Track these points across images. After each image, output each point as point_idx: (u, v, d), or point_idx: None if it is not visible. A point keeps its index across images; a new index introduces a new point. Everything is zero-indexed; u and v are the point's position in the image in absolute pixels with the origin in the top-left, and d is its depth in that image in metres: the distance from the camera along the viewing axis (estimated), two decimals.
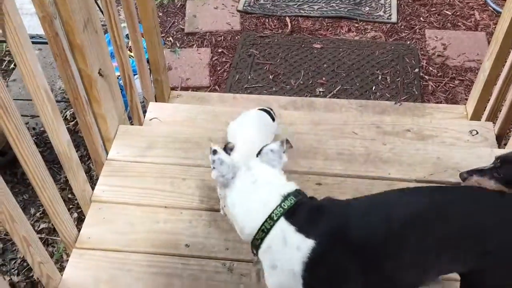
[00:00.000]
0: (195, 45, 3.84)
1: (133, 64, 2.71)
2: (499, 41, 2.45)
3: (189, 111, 2.61)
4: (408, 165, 2.14)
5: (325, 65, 3.64)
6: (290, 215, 1.31)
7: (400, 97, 3.34)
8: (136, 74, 2.73)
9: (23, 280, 2.63)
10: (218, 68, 3.67)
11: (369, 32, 3.90)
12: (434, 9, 4.03)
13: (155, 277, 1.84)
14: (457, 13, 3.99)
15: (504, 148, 2.40)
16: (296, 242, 1.28)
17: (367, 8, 4.04)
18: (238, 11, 4.05)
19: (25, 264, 2.67)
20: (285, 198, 1.34)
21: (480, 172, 1.51)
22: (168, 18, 4.07)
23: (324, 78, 3.55)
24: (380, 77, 3.52)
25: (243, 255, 1.89)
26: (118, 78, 2.52)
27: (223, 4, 4.12)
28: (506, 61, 2.49)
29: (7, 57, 3.66)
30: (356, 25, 3.94)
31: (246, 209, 1.37)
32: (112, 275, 1.85)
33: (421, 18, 3.97)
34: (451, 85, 3.48)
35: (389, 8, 4.04)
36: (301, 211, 1.32)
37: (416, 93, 3.41)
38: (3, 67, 3.68)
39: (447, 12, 4.00)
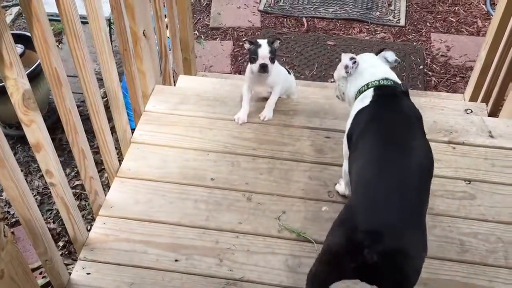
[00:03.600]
0: (218, 38, 4.21)
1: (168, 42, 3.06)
2: (493, 32, 2.78)
3: (214, 82, 2.95)
4: None
5: (337, 59, 3.97)
6: (377, 89, 1.88)
7: None
8: (170, 50, 3.08)
9: (58, 227, 2.94)
10: (239, 58, 4.02)
11: (378, 33, 4.25)
12: (439, 16, 4.37)
13: (184, 202, 2.15)
14: (461, 21, 4.33)
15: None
16: (365, 103, 1.88)
17: (378, 13, 4.40)
18: (259, 10, 4.43)
19: (59, 214, 2.99)
20: (385, 79, 1.90)
21: None
22: (195, 15, 4.46)
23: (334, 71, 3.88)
24: None
25: (260, 189, 2.19)
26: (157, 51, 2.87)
27: (245, 4, 4.51)
28: (497, 50, 2.80)
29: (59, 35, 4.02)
30: (367, 27, 4.29)
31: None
32: (148, 198, 2.16)
33: (428, 24, 4.31)
34: (452, 81, 3.80)
35: (398, 14, 4.39)
36: (384, 92, 1.87)
37: (420, 86, 3.73)
38: None
39: (452, 19, 4.34)
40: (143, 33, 2.36)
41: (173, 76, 3.16)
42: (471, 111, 2.84)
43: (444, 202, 2.14)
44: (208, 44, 4.13)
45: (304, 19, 4.35)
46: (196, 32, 4.28)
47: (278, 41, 2.41)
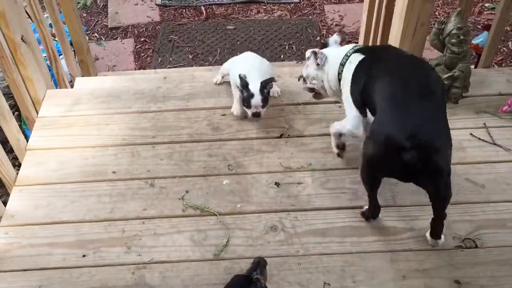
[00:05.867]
0: (119, 37, 4.18)
1: (58, 46, 3.02)
2: None
3: (112, 80, 2.94)
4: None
5: (238, 43, 4.07)
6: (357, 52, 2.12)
7: None
8: (62, 54, 3.04)
9: None
10: (142, 54, 4.03)
11: (276, 12, 4.38)
12: None
13: (87, 198, 2.16)
14: None
15: None
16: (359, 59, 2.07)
17: None
18: (157, 5, 4.44)
19: None
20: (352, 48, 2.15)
21: None
22: (92, 18, 4.40)
23: (238, 53, 3.96)
24: (287, 47, 3.99)
25: (162, 173, 2.24)
26: (45, 58, 2.82)
27: (142, 0, 4.50)
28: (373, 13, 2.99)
29: None
30: (264, 7, 4.41)
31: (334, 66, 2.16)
32: (50, 201, 2.15)
33: None
34: None
35: None
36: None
37: None
38: None
39: None
40: (22, 38, 2.33)
41: (71, 81, 3.12)
42: None
43: (337, 157, 2.28)
44: (108, 44, 4.10)
45: (202, 8, 4.40)
46: (96, 34, 4.23)
47: (272, 83, 2.41)
